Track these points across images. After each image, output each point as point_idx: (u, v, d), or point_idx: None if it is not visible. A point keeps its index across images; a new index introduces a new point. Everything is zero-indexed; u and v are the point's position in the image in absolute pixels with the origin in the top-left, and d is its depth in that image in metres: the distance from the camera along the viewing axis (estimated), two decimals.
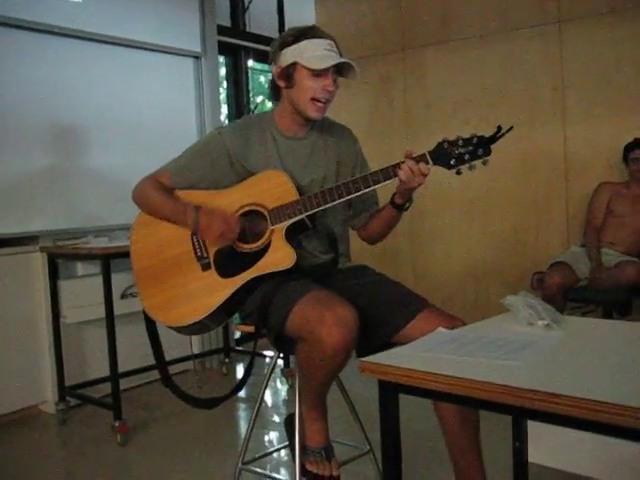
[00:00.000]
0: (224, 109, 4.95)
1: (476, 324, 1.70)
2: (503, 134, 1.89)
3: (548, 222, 4.41)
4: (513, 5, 4.43)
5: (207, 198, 2.09)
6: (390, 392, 1.35)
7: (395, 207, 2.07)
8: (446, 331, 1.63)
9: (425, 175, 1.92)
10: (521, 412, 1.19)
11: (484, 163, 1.91)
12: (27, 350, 3.53)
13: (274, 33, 5.23)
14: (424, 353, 1.43)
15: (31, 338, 3.55)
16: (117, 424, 3.16)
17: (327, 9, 5.21)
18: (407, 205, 2.08)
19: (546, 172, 4.37)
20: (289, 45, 2.03)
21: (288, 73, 2.04)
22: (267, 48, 5.40)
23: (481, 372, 1.24)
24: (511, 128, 1.88)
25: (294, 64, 2.02)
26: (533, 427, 1.53)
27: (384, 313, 1.98)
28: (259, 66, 5.42)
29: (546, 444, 1.51)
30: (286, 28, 5.19)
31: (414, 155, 1.93)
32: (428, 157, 1.93)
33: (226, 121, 4.89)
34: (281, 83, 2.07)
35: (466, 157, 1.89)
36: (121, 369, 3.31)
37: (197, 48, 4.39)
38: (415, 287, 2.13)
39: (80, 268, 3.65)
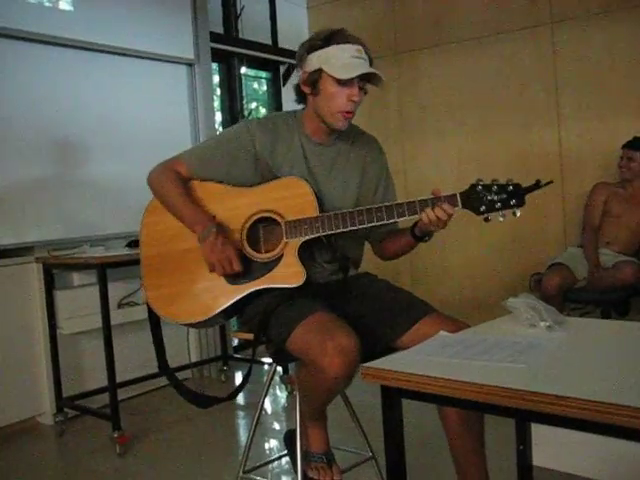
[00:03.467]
0: (218, 116, 4.94)
1: (478, 327, 1.68)
2: (541, 187, 1.79)
3: (545, 223, 4.40)
4: (505, 7, 4.44)
5: (226, 194, 2.03)
6: (393, 397, 1.33)
7: (414, 237, 2.02)
8: (448, 335, 1.62)
9: (450, 218, 1.84)
10: (526, 415, 1.18)
11: (514, 214, 1.81)
12: (24, 362, 3.50)
13: (267, 39, 5.23)
14: (426, 357, 1.41)
15: (28, 349, 3.52)
16: (116, 435, 3.13)
17: (320, 14, 5.21)
18: (426, 238, 2.01)
19: (542, 173, 4.29)
20: (316, 50, 1.96)
21: (313, 79, 1.97)
22: (260, 54, 5.40)
23: (484, 375, 1.23)
24: (550, 182, 1.78)
25: (319, 70, 1.95)
26: (537, 430, 1.52)
27: (387, 319, 1.96)
28: (252, 73, 5.42)
29: (550, 447, 1.50)
30: (279, 34, 5.25)
31: (444, 194, 1.84)
32: (458, 199, 1.84)
33: (220, 128, 4.88)
34: (306, 89, 2.01)
35: (497, 205, 1.80)
36: (119, 379, 3.28)
37: (190, 55, 4.38)
38: (413, 290, 2.12)
39: (76, 278, 3.63)
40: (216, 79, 4.97)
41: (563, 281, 3.72)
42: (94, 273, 3.33)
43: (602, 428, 1.08)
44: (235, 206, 2.01)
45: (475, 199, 1.82)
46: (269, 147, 2.04)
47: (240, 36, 5.02)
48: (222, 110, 5.07)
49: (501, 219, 1.82)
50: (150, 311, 2.14)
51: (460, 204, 1.83)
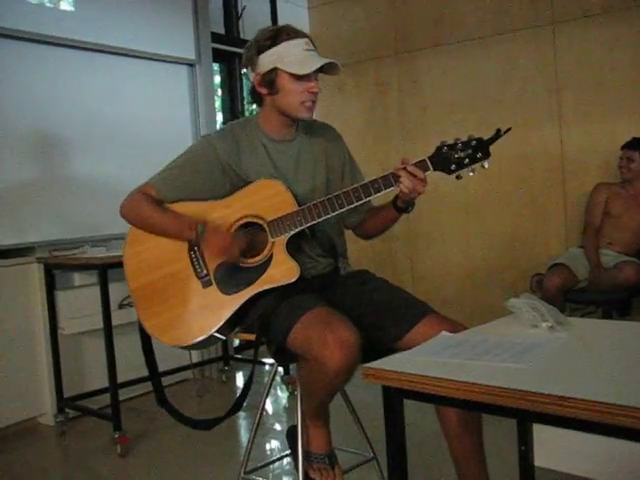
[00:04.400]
0: (219, 117, 4.94)
1: (479, 327, 1.68)
2: (501, 135, 1.87)
3: (546, 224, 4.40)
4: (506, 8, 4.44)
5: (202, 210, 2.03)
6: (394, 398, 1.33)
7: (397, 210, 2.03)
8: (450, 335, 1.62)
9: (425, 181, 1.89)
10: (528, 415, 1.18)
11: (483, 166, 1.88)
12: (25, 362, 3.50)
13: None
14: (428, 358, 1.41)
15: (29, 350, 3.52)
16: (117, 435, 3.13)
17: (321, 14, 5.21)
18: (410, 209, 2.03)
19: (543, 174, 4.37)
20: (266, 49, 1.97)
21: (270, 79, 1.98)
22: None
23: (486, 376, 1.23)
24: (509, 129, 1.86)
25: (274, 69, 1.97)
26: (539, 430, 1.51)
27: (387, 319, 1.96)
28: None
29: (552, 447, 1.50)
30: None
31: (413, 161, 1.89)
32: (428, 163, 1.89)
33: None
34: (263, 90, 2.02)
35: (466, 161, 1.87)
36: (120, 379, 3.28)
37: (191, 56, 4.38)
38: (413, 291, 2.12)
39: (77, 278, 3.62)
40: (217, 79, 4.97)
41: (564, 281, 3.71)
42: (95, 273, 3.32)
43: (604, 429, 1.08)
44: (214, 219, 2.00)
45: (444, 159, 1.89)
46: (233, 156, 2.05)
47: (241, 36, 5.02)
48: (223, 110, 5.08)
49: (471, 174, 1.89)
50: (144, 346, 2.13)
51: (431, 167, 1.89)
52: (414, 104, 4.86)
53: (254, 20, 5.09)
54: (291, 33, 1.98)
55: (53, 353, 3.49)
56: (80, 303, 3.57)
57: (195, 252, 2.02)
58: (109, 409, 3.25)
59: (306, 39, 1.99)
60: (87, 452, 3.21)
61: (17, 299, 3.49)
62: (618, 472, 1.35)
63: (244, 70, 2.11)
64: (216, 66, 4.90)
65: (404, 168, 1.89)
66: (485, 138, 1.88)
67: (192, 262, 2.02)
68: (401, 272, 4.87)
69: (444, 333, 1.64)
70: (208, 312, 1.99)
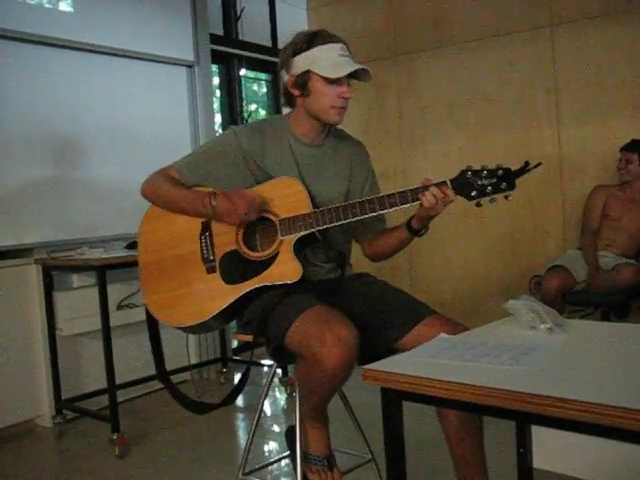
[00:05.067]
0: (217, 118, 4.94)
1: (478, 329, 1.68)
2: (530, 169, 1.83)
3: (544, 226, 4.40)
4: (505, 10, 4.44)
5: None
6: (393, 400, 1.33)
7: (410, 231, 2.01)
8: (448, 337, 1.62)
9: (449, 203, 1.86)
10: (527, 417, 1.18)
11: (506, 197, 1.84)
12: (23, 363, 3.49)
13: (267, 41, 5.23)
14: (427, 359, 1.41)
15: (27, 351, 3.51)
16: (115, 437, 3.12)
17: (319, 16, 5.21)
18: (423, 232, 2.02)
19: (541, 176, 4.36)
20: (301, 52, 1.99)
21: (302, 81, 2.00)
22: (260, 56, 5.41)
23: (485, 377, 1.23)
24: (539, 164, 1.82)
25: (308, 72, 1.98)
26: (537, 432, 1.51)
27: (387, 320, 1.96)
28: (252, 74, 5.42)
29: (551, 449, 1.50)
30: (279, 36, 5.25)
31: (434, 182, 1.87)
32: (449, 185, 1.86)
33: (220, 130, 4.88)
34: (295, 92, 2.04)
35: (488, 190, 1.83)
36: (118, 381, 3.28)
37: (190, 57, 4.38)
38: (412, 293, 2.12)
39: (76, 280, 3.62)
40: (216, 81, 4.97)
41: (563, 283, 3.71)
42: (93, 275, 3.33)
43: (603, 430, 1.08)
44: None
45: (466, 184, 1.85)
46: (258, 150, 2.07)
47: (240, 38, 5.03)
48: (222, 112, 5.07)
49: (493, 204, 1.85)
50: (149, 318, 2.16)
51: (451, 190, 1.86)
52: (413, 106, 4.86)
53: (253, 22, 5.10)
54: (327, 38, 2.00)
55: (51, 354, 3.49)
56: (78, 304, 3.56)
57: (206, 237, 2.05)
58: (107, 410, 3.24)
59: (341, 44, 2.01)
60: (85, 453, 3.21)
61: (15, 300, 3.48)
62: (617, 474, 1.35)
63: (281, 72, 2.11)
64: (215, 67, 4.90)
65: (427, 187, 1.86)
66: (513, 169, 1.83)
67: (201, 246, 2.05)
68: (400, 274, 4.87)
69: (443, 335, 1.64)
70: (207, 298, 2.01)
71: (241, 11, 5.01)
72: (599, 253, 3.84)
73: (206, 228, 2.05)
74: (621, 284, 3.60)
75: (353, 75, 2.01)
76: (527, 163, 1.83)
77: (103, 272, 3.16)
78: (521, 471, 1.69)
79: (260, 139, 2.08)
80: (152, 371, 2.37)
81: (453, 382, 1.23)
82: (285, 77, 2.07)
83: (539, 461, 1.55)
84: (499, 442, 2.09)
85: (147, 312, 2.14)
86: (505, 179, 1.83)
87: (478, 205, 1.85)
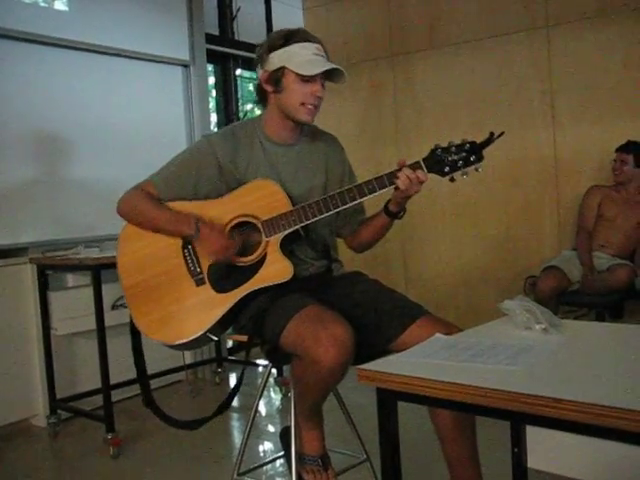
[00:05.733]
0: (213, 117, 4.93)
1: (473, 329, 1.68)
2: (494, 140, 1.88)
3: (539, 226, 4.41)
4: (501, 10, 4.44)
5: (196, 209, 2.03)
6: (388, 400, 1.33)
7: (389, 215, 2.05)
8: (444, 337, 1.61)
9: (422, 182, 1.91)
10: (522, 417, 1.18)
11: (477, 169, 1.90)
12: (17, 363, 3.48)
13: (262, 41, 5.22)
14: (422, 360, 1.41)
15: (21, 350, 3.50)
16: (109, 437, 3.12)
17: (315, 16, 5.21)
18: (401, 214, 2.05)
19: (536, 176, 4.38)
20: (277, 49, 1.99)
21: (276, 77, 2.00)
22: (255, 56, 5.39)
23: (480, 378, 1.23)
24: (502, 133, 1.88)
25: (282, 68, 1.99)
26: (532, 432, 1.51)
27: (381, 320, 1.96)
28: (248, 74, 5.41)
29: (545, 450, 1.50)
30: None
31: (408, 163, 1.91)
32: (422, 165, 1.91)
33: (215, 129, 4.88)
34: (269, 87, 2.04)
35: (459, 164, 1.88)
36: (113, 381, 3.27)
37: (185, 56, 4.38)
38: (407, 293, 2.12)
39: (70, 279, 3.61)
40: (211, 80, 4.97)
41: (557, 284, 3.72)
42: (88, 274, 3.32)
43: (597, 431, 1.08)
44: (209, 218, 2.00)
45: (438, 162, 1.90)
46: (231, 156, 2.06)
47: (235, 37, 5.02)
48: (217, 111, 5.07)
49: (465, 177, 1.91)
50: (134, 344, 2.14)
51: (425, 169, 1.90)
52: (409, 106, 4.86)
53: (249, 21, 5.10)
54: (304, 36, 2.01)
55: (46, 354, 3.48)
56: (73, 304, 3.56)
57: (189, 250, 2.02)
58: (102, 410, 3.24)
59: (318, 45, 2.02)
60: (79, 453, 3.20)
61: (10, 299, 3.47)
62: (611, 474, 1.36)
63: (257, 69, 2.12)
64: (210, 67, 4.90)
65: (400, 169, 1.90)
66: (478, 142, 1.89)
67: (186, 260, 2.03)
68: (394, 274, 4.86)
69: (438, 335, 1.64)
70: (201, 311, 1.98)
71: (237, 11, 5.01)
72: (594, 254, 3.84)
73: (187, 242, 2.02)
74: (615, 285, 3.60)
75: (328, 77, 2.02)
76: (492, 134, 1.89)
77: (98, 272, 3.16)
78: (516, 471, 1.69)
79: (233, 145, 2.07)
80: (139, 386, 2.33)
81: (448, 382, 1.23)
82: (259, 73, 2.07)
83: (534, 461, 1.55)
84: (494, 442, 2.09)
85: (132, 336, 2.11)
86: (473, 152, 1.89)
87: (452, 180, 1.91)
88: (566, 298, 3.77)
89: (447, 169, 1.89)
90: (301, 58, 1.97)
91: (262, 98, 2.10)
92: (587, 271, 3.75)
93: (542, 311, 1.59)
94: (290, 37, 2.00)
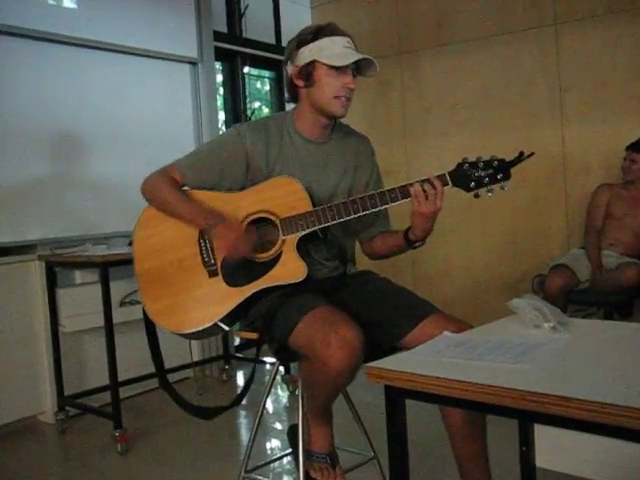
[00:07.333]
0: (221, 115, 4.93)
1: (482, 327, 1.68)
2: (524, 159, 1.85)
3: (548, 224, 4.39)
4: (509, 8, 4.43)
5: (217, 200, 2.03)
6: (396, 398, 1.33)
7: (407, 240, 2.02)
8: (452, 335, 1.61)
9: (436, 199, 1.87)
10: (530, 416, 1.18)
11: (502, 188, 1.87)
12: (25, 359, 3.50)
13: (270, 39, 5.22)
14: (430, 357, 1.41)
15: (29, 347, 3.51)
16: (117, 433, 3.13)
17: (323, 14, 5.20)
18: (418, 244, 2.02)
19: (545, 174, 4.36)
20: (307, 43, 1.99)
21: (307, 72, 1.99)
22: (263, 54, 5.39)
23: (488, 376, 1.23)
24: (532, 154, 1.85)
25: (313, 62, 1.98)
26: (540, 431, 1.51)
27: (390, 318, 1.95)
28: (256, 72, 5.41)
29: (554, 448, 1.49)
30: (282, 34, 5.24)
31: (433, 175, 1.88)
32: (448, 178, 1.88)
33: (223, 127, 4.88)
34: (299, 82, 2.02)
35: (485, 180, 1.85)
36: (121, 378, 3.28)
37: (194, 54, 4.37)
38: (415, 291, 2.11)
39: (78, 276, 3.62)
40: (219, 78, 4.96)
41: (566, 282, 3.71)
42: (96, 271, 3.33)
43: (606, 429, 1.08)
44: (227, 211, 2.00)
45: (464, 176, 1.87)
46: (260, 149, 2.04)
47: (244, 35, 5.02)
48: (225, 109, 5.07)
49: (489, 194, 1.88)
50: (147, 323, 2.12)
51: (450, 182, 1.88)
52: (416, 104, 4.85)
53: (257, 19, 5.09)
54: (334, 30, 2.01)
55: (54, 351, 3.49)
56: (81, 301, 3.57)
57: (205, 241, 2.02)
58: (109, 407, 3.25)
59: (347, 38, 2.01)
60: (87, 450, 3.21)
61: (18, 297, 3.48)
62: (621, 474, 1.35)
63: (285, 65, 2.09)
64: (218, 65, 4.89)
65: (422, 180, 1.87)
66: (507, 160, 1.86)
67: (201, 250, 2.02)
68: (402, 272, 4.86)
69: (446, 333, 1.64)
70: (211, 302, 1.98)
71: (245, 8, 5.00)
72: (603, 252, 3.83)
73: (204, 232, 2.02)
74: (624, 283, 3.59)
75: (359, 71, 2.01)
76: (521, 153, 1.86)
77: (106, 269, 3.17)
78: (524, 470, 1.68)
79: (263, 138, 2.05)
80: (154, 368, 2.36)
81: (456, 380, 1.23)
82: (290, 69, 2.05)
83: (542, 460, 1.54)
84: (502, 441, 2.09)
85: (145, 318, 2.10)
86: (501, 170, 1.86)
87: (476, 196, 1.88)
88: (575, 297, 3.76)
89: (473, 184, 1.86)
90: (331, 51, 1.96)
91: (293, 94, 2.09)
92: (596, 269, 3.74)
93: (551, 309, 1.58)
94: (319, 31, 1.99)
